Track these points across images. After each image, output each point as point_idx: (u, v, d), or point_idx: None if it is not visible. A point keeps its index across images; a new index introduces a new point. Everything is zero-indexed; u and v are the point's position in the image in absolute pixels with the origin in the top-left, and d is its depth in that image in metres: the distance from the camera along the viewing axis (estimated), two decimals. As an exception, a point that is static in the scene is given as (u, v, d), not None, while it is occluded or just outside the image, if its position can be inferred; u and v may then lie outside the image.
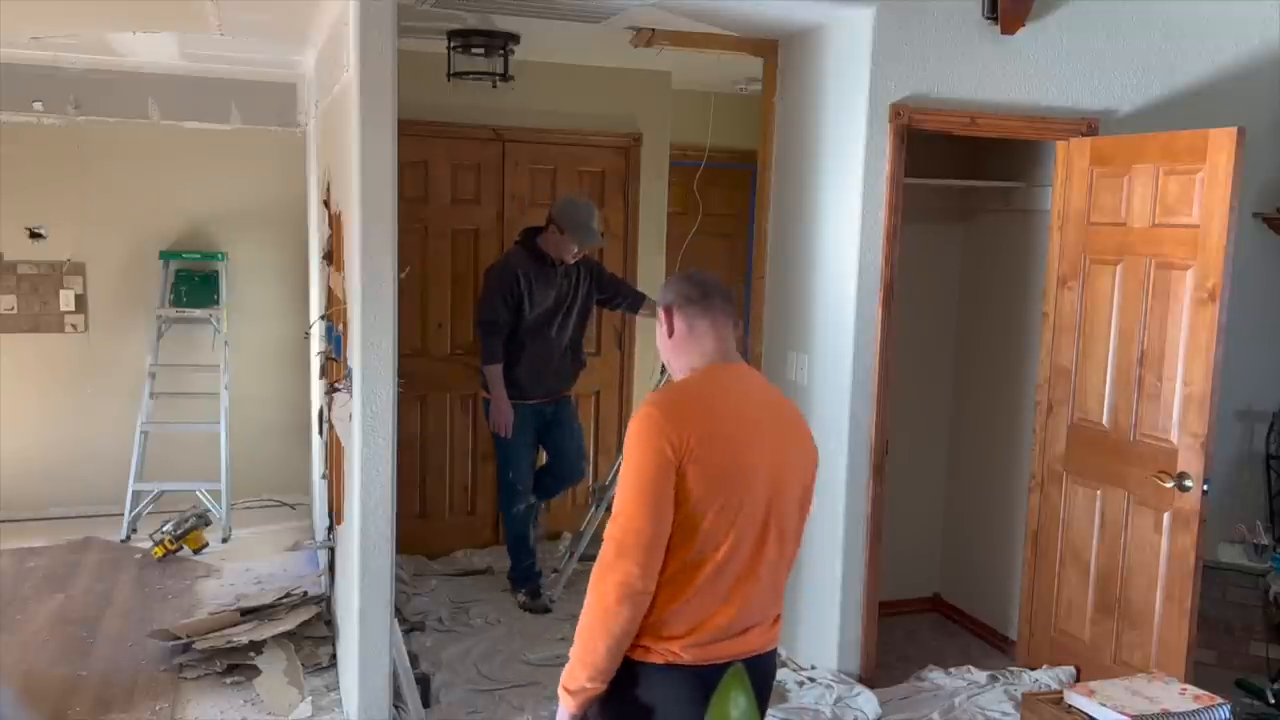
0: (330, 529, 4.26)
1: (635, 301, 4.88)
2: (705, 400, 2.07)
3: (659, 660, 2.01)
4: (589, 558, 4.95)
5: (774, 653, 2.17)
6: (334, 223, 3.96)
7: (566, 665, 2.05)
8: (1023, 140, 4.09)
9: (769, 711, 3.60)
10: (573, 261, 4.58)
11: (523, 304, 4.49)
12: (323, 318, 4.53)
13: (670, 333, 2.18)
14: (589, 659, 1.99)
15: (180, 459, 5.66)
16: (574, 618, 4.53)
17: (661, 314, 2.19)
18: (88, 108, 5.65)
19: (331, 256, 4.08)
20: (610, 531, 1.99)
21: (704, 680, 1.98)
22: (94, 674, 3.93)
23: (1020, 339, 4.36)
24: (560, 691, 2.05)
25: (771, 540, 2.07)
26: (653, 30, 4.12)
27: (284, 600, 4.38)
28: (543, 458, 4.87)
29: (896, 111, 3.73)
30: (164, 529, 5.20)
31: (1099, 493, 3.82)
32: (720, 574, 2.01)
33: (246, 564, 5.14)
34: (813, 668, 3.95)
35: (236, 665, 3.91)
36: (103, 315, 5.83)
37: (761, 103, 4.41)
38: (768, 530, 2.07)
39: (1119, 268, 3.73)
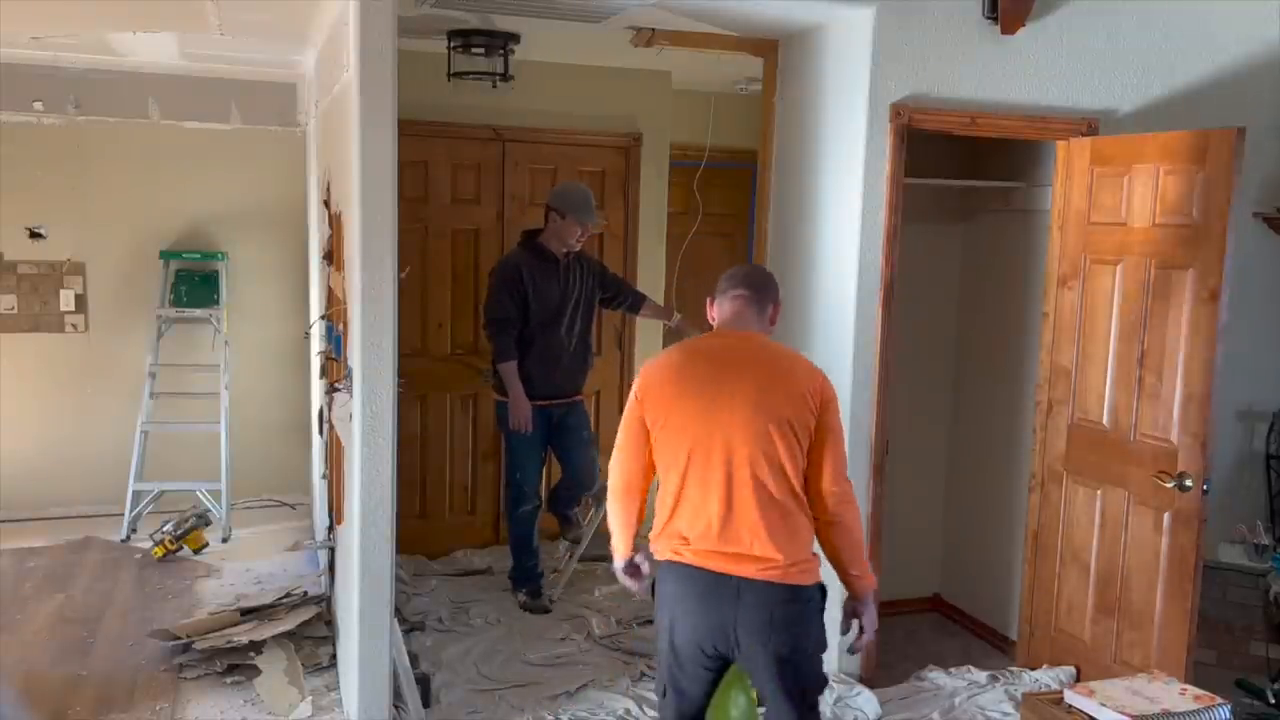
0: (330, 529, 4.26)
1: (636, 301, 4.88)
2: (677, 356, 2.68)
3: (660, 558, 2.64)
4: (589, 558, 5.01)
5: (768, 585, 2.50)
6: (334, 223, 3.96)
7: None
8: (1023, 140, 4.09)
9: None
10: (578, 246, 4.58)
11: (528, 299, 4.49)
12: (323, 318, 4.53)
13: (711, 317, 2.77)
14: (615, 532, 2.78)
15: (180, 459, 5.66)
16: (574, 618, 4.52)
17: (708, 302, 2.78)
18: (88, 108, 5.65)
19: (331, 256, 4.08)
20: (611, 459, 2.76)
21: (670, 572, 2.61)
22: (94, 674, 3.93)
23: (1020, 339, 4.36)
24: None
25: (735, 474, 2.51)
26: (653, 30, 4.12)
27: (284, 600, 4.38)
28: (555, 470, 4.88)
29: (896, 111, 3.73)
30: (164, 529, 5.20)
31: (1099, 493, 3.82)
32: (688, 495, 2.56)
33: (246, 564, 5.14)
34: (813, 668, 3.95)
35: (236, 665, 3.91)
36: (103, 315, 5.83)
37: (761, 103, 4.41)
38: (724, 463, 2.52)
39: (1119, 268, 3.73)
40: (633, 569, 2.76)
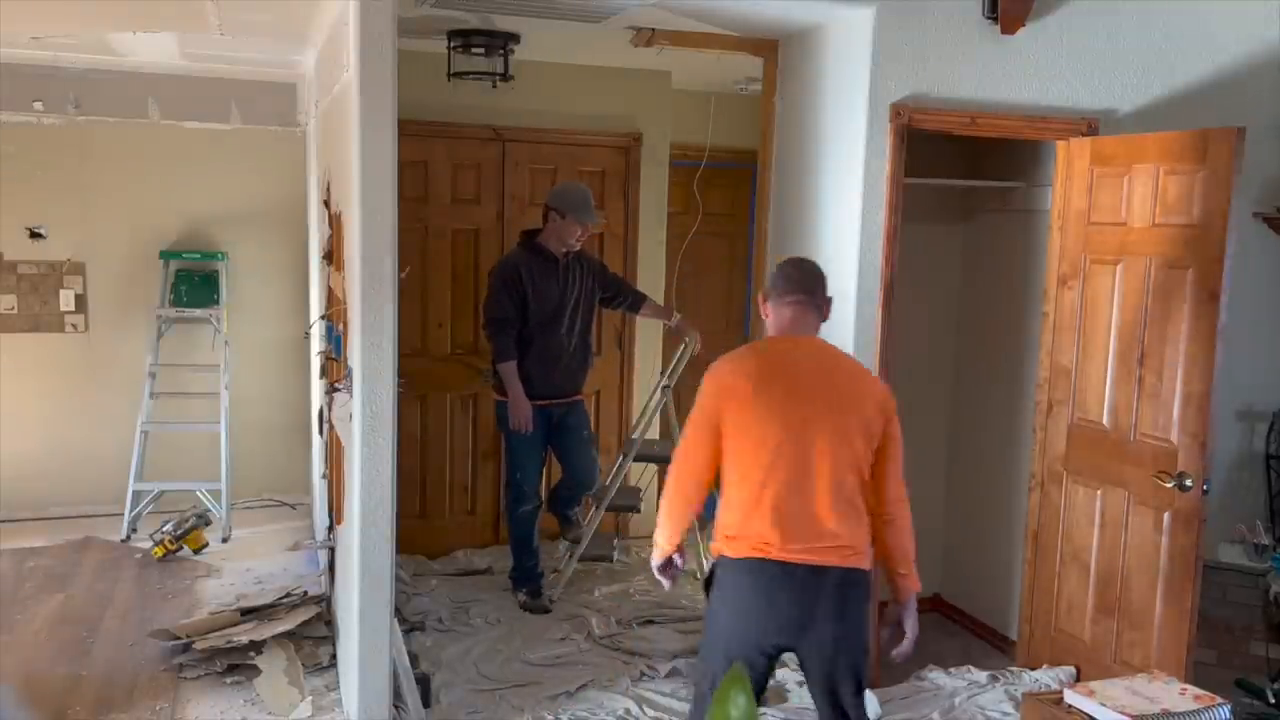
0: (330, 529, 4.26)
1: (636, 301, 4.88)
2: (752, 358, 2.75)
3: (735, 555, 2.66)
4: (589, 558, 5.01)
5: (844, 570, 2.64)
6: (334, 223, 3.96)
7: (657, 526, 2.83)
8: (1023, 140, 4.09)
9: (768, 711, 3.61)
10: (577, 246, 4.58)
11: (527, 299, 4.49)
12: (323, 318, 4.53)
13: (766, 314, 2.83)
14: (663, 531, 2.79)
15: (180, 459, 5.66)
16: (574, 618, 4.54)
17: (760, 298, 2.86)
18: (88, 108, 5.65)
19: (331, 256, 4.08)
20: (675, 458, 2.77)
21: (751, 569, 2.64)
22: (94, 674, 3.93)
23: (1020, 339, 4.36)
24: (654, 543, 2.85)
25: (815, 473, 2.60)
26: (653, 30, 4.12)
27: (284, 600, 4.38)
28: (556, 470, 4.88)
29: (896, 111, 3.73)
30: (164, 529, 5.20)
31: (1099, 492, 3.82)
32: (764, 496, 2.60)
33: (246, 564, 5.14)
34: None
35: (236, 665, 3.90)
36: (103, 315, 5.82)
37: (761, 103, 4.41)
38: (807, 461, 2.59)
39: (1119, 268, 3.73)
40: (671, 566, 2.83)
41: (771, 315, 2.81)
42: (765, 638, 2.66)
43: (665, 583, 2.89)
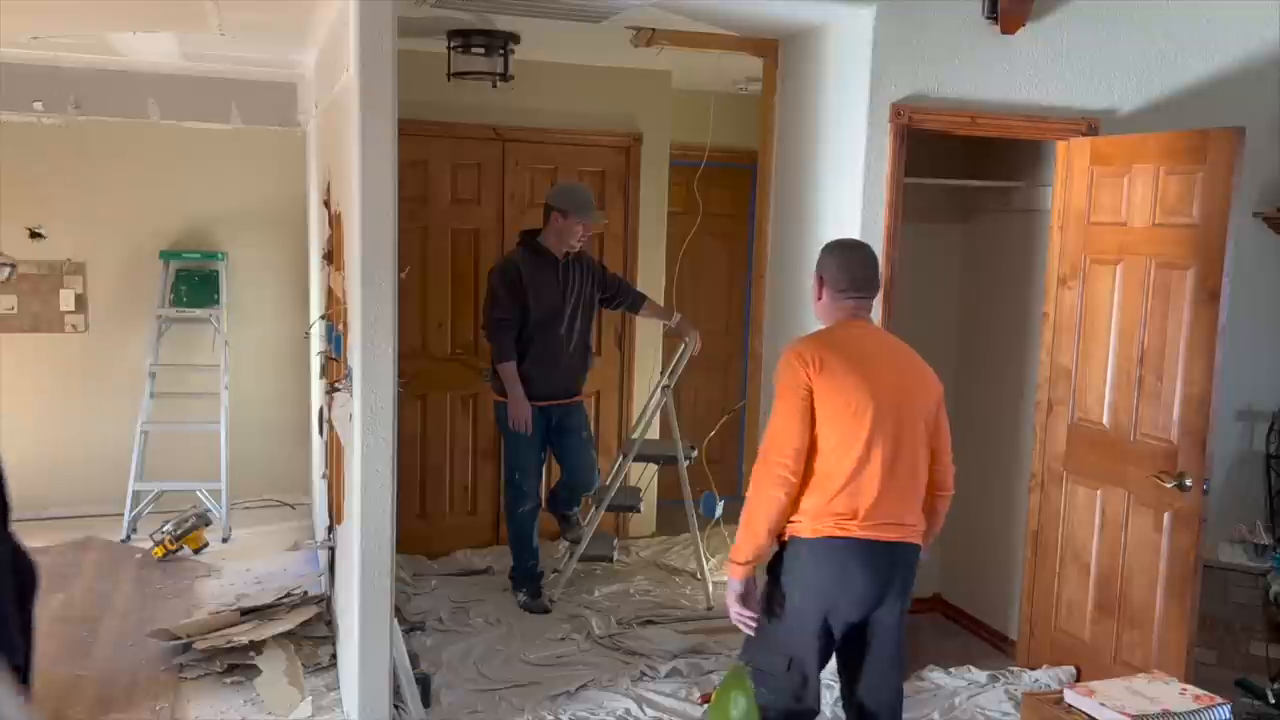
0: (330, 529, 4.26)
1: (636, 302, 4.88)
2: (829, 341, 2.74)
3: (814, 535, 2.65)
4: (589, 558, 5.01)
5: (913, 546, 2.74)
6: (334, 223, 3.96)
7: (735, 544, 2.70)
8: (1023, 140, 4.09)
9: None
10: (579, 246, 4.57)
11: (527, 299, 4.49)
12: (323, 318, 4.53)
13: (819, 297, 2.83)
14: (754, 537, 2.65)
15: (180, 459, 5.66)
16: (574, 618, 4.54)
17: (814, 282, 2.83)
18: (88, 108, 5.64)
19: (331, 256, 4.08)
20: (764, 444, 2.67)
21: (833, 547, 2.63)
22: (94, 674, 3.92)
23: (1020, 339, 4.36)
24: (730, 565, 2.71)
25: (893, 452, 2.64)
26: (653, 30, 4.12)
27: (284, 600, 4.38)
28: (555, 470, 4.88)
29: (897, 111, 3.73)
30: (164, 529, 5.20)
31: (1099, 492, 3.82)
32: (855, 475, 2.62)
33: (246, 564, 5.14)
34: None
35: (236, 665, 3.90)
36: (103, 315, 5.83)
37: (761, 103, 4.41)
38: (888, 441, 2.64)
39: (1119, 268, 3.73)
40: (752, 592, 2.71)
41: (829, 304, 2.81)
42: (841, 615, 2.67)
43: (747, 620, 2.70)
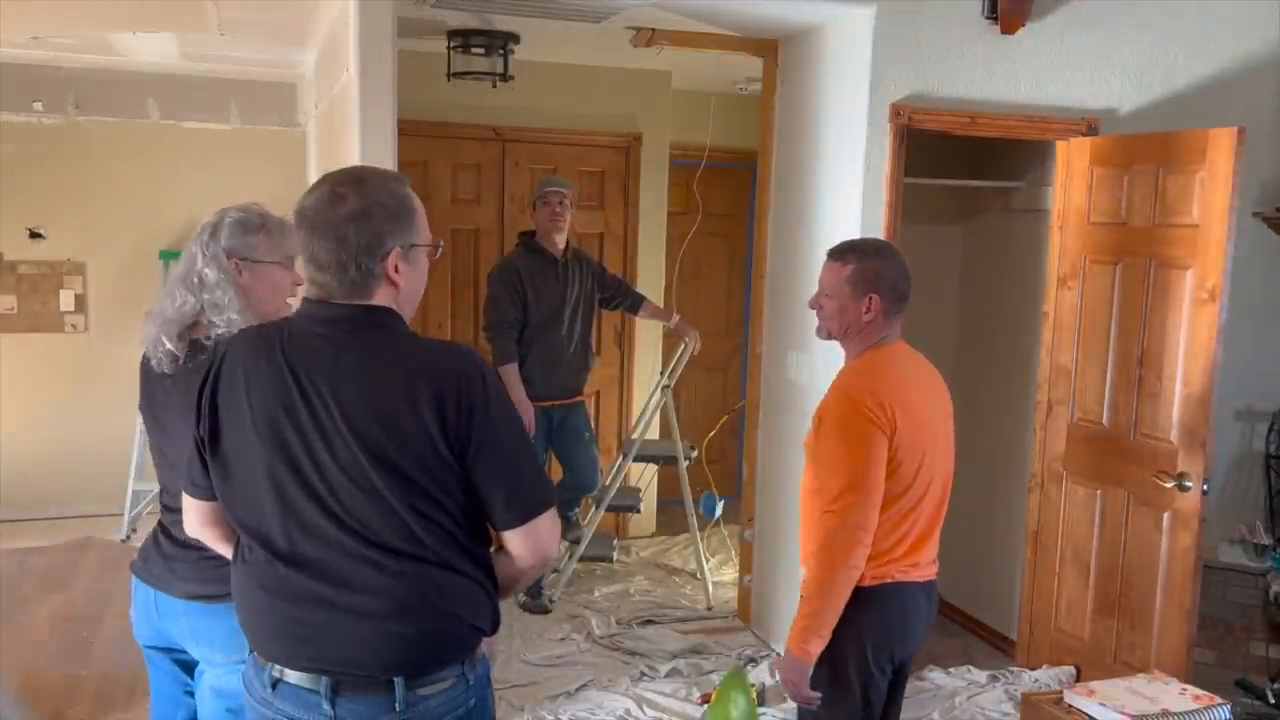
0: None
1: (635, 302, 4.88)
2: (889, 378, 2.45)
3: (880, 582, 2.42)
4: (589, 559, 5.01)
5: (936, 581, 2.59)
6: (334, 223, 3.96)
7: (798, 629, 2.37)
8: (1023, 140, 4.09)
9: (768, 711, 3.61)
10: (563, 226, 4.57)
11: (527, 300, 4.49)
12: (323, 318, 4.52)
13: (868, 314, 2.46)
14: (828, 615, 2.36)
15: (180, 459, 5.65)
16: (574, 618, 4.47)
17: (871, 298, 2.44)
18: (88, 108, 5.65)
19: (331, 256, 4.08)
20: (836, 503, 2.35)
21: (898, 594, 2.45)
22: (94, 674, 3.92)
23: (1020, 339, 4.36)
24: (798, 652, 2.35)
25: (939, 491, 2.51)
26: (653, 30, 4.12)
27: (284, 600, 4.37)
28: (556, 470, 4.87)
29: (896, 111, 3.73)
30: (164, 529, 5.20)
31: (1099, 492, 3.82)
32: (911, 519, 2.44)
33: (246, 564, 5.13)
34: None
35: (236, 665, 3.90)
36: (103, 315, 5.82)
37: (761, 103, 4.41)
38: (936, 480, 2.49)
39: (1119, 268, 3.73)
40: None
41: (878, 323, 2.47)
42: (895, 659, 2.52)
43: (814, 700, 2.41)
